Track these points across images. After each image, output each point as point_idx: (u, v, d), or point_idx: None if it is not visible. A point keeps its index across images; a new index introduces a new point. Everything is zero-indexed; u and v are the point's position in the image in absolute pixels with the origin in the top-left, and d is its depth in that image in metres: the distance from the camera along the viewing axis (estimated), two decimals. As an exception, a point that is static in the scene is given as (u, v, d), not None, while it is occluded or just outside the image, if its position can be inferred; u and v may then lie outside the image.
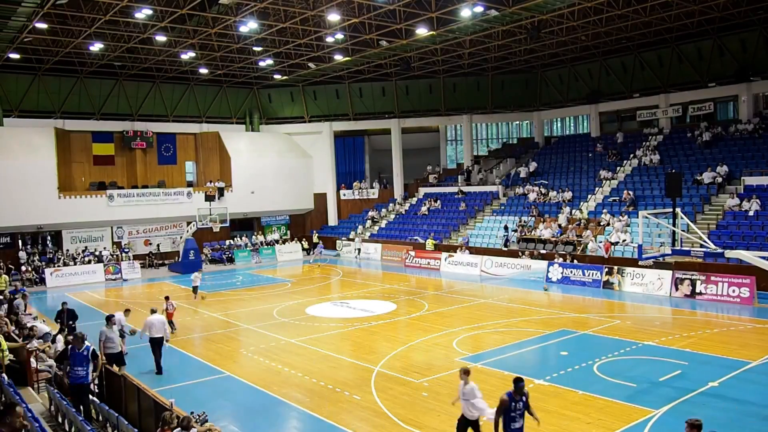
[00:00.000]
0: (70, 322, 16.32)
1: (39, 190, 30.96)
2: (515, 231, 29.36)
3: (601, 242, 25.28)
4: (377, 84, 40.64)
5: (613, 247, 24.67)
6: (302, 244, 37.96)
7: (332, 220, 41.93)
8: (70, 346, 10.56)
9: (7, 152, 30.64)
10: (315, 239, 38.41)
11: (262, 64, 33.49)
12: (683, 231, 16.02)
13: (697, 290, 20.35)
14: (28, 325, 14.82)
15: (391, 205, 40.14)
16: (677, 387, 11.77)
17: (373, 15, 25.31)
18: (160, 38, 27.69)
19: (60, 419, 9.74)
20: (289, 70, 35.47)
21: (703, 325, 17.06)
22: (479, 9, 24.27)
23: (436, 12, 24.70)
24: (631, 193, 27.92)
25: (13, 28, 25.61)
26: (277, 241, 38.06)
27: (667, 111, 32.97)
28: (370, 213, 39.62)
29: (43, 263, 30.47)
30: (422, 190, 40.00)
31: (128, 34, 26.93)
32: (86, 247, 32.73)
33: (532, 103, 40.55)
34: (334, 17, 25.08)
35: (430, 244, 31.56)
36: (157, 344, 14.26)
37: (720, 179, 26.37)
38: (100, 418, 9.71)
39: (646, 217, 16.17)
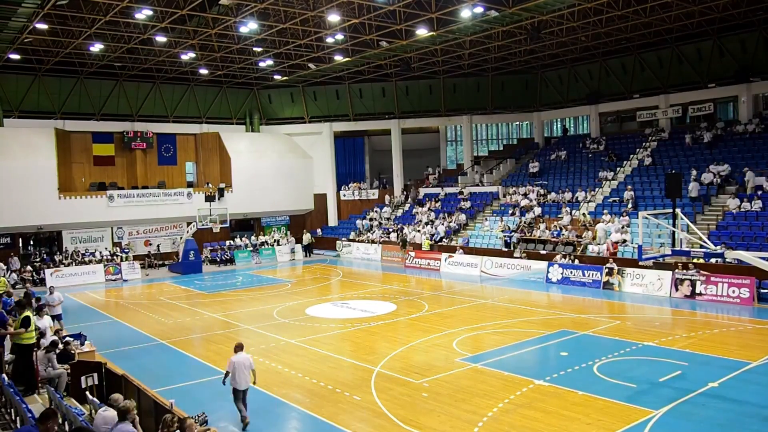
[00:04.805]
0: None
1: (39, 190, 30.98)
2: (515, 231, 29.36)
3: (603, 243, 25.27)
4: (377, 84, 40.66)
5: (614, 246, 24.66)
6: (302, 241, 37.84)
7: (332, 220, 41.94)
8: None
9: (7, 153, 30.66)
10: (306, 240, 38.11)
11: (262, 64, 33.51)
12: (683, 231, 16.02)
13: (697, 291, 20.35)
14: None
15: (386, 207, 39.88)
16: (677, 387, 11.77)
17: (373, 16, 25.32)
18: (161, 39, 27.71)
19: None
20: (289, 70, 35.49)
21: (703, 326, 17.06)
22: (479, 10, 24.28)
23: (436, 13, 24.71)
24: (630, 191, 27.89)
25: (14, 29, 25.63)
26: (277, 242, 38.02)
27: (667, 111, 32.97)
28: (370, 213, 39.62)
29: (46, 264, 30.46)
30: (422, 191, 40.01)
31: (128, 34, 26.95)
32: (86, 249, 32.77)
33: (532, 104, 40.56)
34: (334, 18, 25.10)
35: (426, 244, 31.59)
36: None
37: (719, 179, 26.38)
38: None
39: (646, 218, 16.17)
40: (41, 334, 13.19)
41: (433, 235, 32.39)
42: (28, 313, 12.48)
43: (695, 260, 20.67)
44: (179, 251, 33.46)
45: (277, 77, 37.55)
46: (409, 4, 24.08)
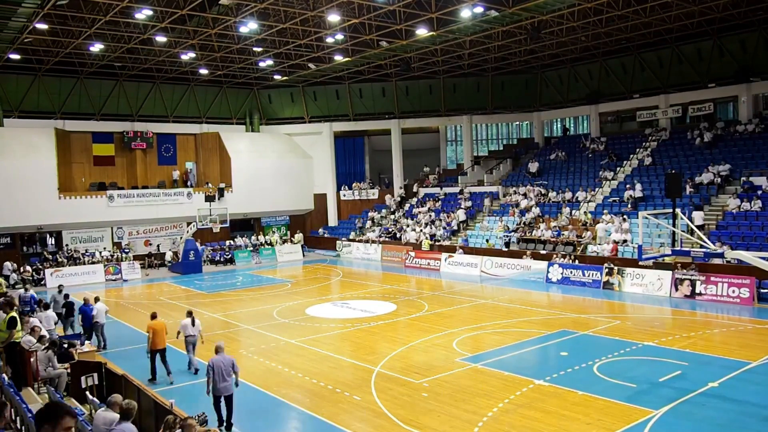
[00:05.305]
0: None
1: (39, 190, 30.99)
2: (515, 231, 29.38)
3: (604, 242, 25.26)
4: (377, 84, 40.65)
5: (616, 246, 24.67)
6: (300, 241, 37.90)
7: (332, 220, 41.94)
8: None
9: (8, 152, 30.66)
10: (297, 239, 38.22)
11: (262, 64, 33.51)
12: (683, 231, 16.03)
13: (697, 291, 20.36)
14: (29, 325, 14.82)
15: (384, 210, 39.92)
16: (677, 387, 11.78)
17: (373, 16, 25.31)
18: (160, 39, 27.70)
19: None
20: (289, 70, 35.48)
21: (703, 326, 17.07)
22: (479, 9, 24.27)
23: (436, 13, 24.70)
24: (637, 187, 27.88)
25: (14, 29, 25.62)
26: (275, 242, 37.99)
27: (667, 111, 32.96)
28: (370, 213, 39.64)
29: (44, 264, 30.43)
30: (422, 191, 40.02)
31: (128, 34, 26.94)
32: (86, 249, 32.78)
33: (532, 104, 40.55)
34: (334, 18, 25.09)
35: (426, 244, 31.62)
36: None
37: (719, 179, 26.39)
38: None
39: (646, 218, 16.18)
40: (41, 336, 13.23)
41: (433, 236, 32.42)
42: (14, 313, 12.63)
43: (677, 259, 20.61)
44: (179, 251, 33.45)
45: (277, 77, 37.55)
46: (409, 4, 24.07)
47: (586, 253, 25.45)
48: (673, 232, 15.41)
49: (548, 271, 24.90)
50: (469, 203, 34.98)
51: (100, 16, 23.88)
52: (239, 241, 37.11)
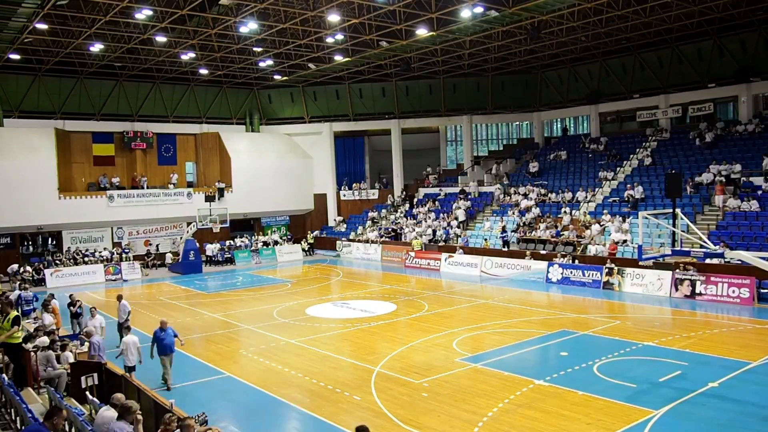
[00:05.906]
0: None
1: (39, 190, 31.00)
2: (514, 231, 29.38)
3: (603, 243, 25.26)
4: (377, 84, 40.66)
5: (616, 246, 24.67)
6: (302, 245, 37.97)
7: (332, 220, 41.94)
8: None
9: (8, 152, 30.66)
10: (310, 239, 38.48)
11: (262, 64, 33.51)
12: (683, 231, 16.03)
13: (697, 291, 20.36)
14: (32, 327, 14.84)
15: (384, 210, 40.02)
16: (677, 387, 11.78)
17: (373, 16, 25.31)
18: (160, 39, 27.70)
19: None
20: (289, 70, 35.48)
21: (702, 326, 17.07)
22: (479, 10, 24.27)
23: (436, 13, 24.71)
24: (638, 187, 27.84)
25: (14, 29, 25.63)
26: (276, 242, 38.00)
27: (667, 111, 32.95)
28: (370, 214, 39.65)
29: (43, 264, 30.42)
30: (422, 191, 40.04)
31: (128, 34, 26.95)
32: (87, 249, 32.77)
33: (532, 104, 40.55)
34: (334, 18, 25.09)
35: (417, 244, 31.62)
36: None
37: (721, 179, 26.38)
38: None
39: (646, 218, 16.17)
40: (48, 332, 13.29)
41: (434, 233, 32.41)
42: (16, 312, 12.63)
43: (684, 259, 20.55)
44: (179, 251, 33.44)
45: (277, 77, 37.55)
46: (409, 4, 24.07)
47: (586, 253, 25.46)
48: (673, 232, 15.40)
49: (548, 271, 24.90)
50: (468, 203, 34.99)
51: (100, 16, 23.88)
52: (239, 241, 37.11)
